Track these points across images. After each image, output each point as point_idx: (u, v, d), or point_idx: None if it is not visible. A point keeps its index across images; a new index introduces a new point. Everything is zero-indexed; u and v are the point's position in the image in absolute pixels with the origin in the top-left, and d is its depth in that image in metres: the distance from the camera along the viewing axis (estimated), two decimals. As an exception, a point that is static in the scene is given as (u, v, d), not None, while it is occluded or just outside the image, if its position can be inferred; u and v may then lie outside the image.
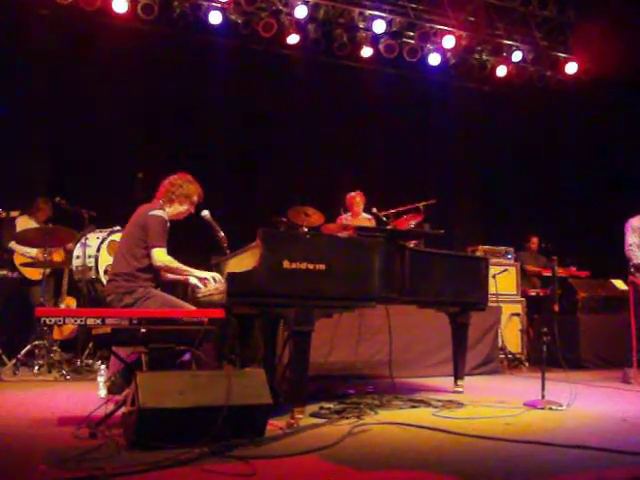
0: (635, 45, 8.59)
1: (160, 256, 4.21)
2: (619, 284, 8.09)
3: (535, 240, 9.33)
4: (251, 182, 8.77)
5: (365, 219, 7.25)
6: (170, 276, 4.49)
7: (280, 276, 3.86)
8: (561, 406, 4.52)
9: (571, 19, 9.91)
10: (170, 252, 4.30)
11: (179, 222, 4.56)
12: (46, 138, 7.84)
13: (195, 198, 4.54)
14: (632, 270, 6.45)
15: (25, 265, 6.78)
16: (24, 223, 6.90)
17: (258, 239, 3.93)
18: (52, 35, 7.82)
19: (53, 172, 7.72)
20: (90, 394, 4.72)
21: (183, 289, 4.81)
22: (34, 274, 6.80)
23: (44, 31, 7.77)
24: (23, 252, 6.79)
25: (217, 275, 4.33)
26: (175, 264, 4.28)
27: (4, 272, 6.80)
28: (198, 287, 4.37)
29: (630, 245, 6.44)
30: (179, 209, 4.50)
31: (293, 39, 8.80)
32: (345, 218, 7.34)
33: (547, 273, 8.29)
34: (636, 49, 8.62)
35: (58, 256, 7.00)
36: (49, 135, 7.86)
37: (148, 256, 4.22)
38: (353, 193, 7.37)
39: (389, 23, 9.11)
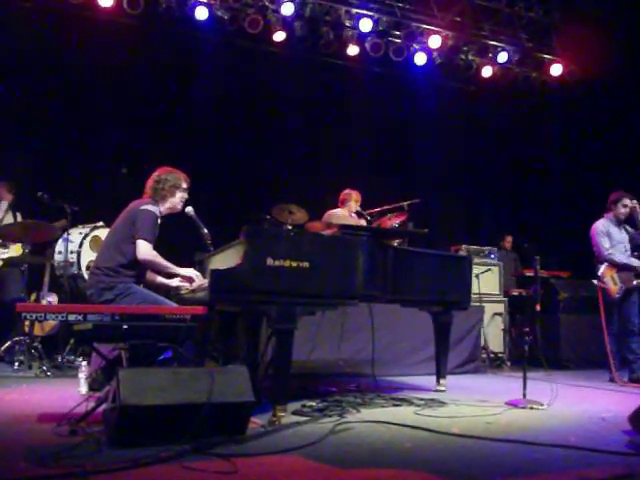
0: (619, 47, 8.66)
1: (145, 249, 4.18)
2: (600, 285, 8.14)
3: (509, 239, 9.38)
4: (235, 179, 8.74)
5: (355, 218, 7.16)
6: (150, 275, 4.47)
7: (263, 273, 3.86)
8: (542, 405, 4.55)
9: (556, 21, 9.98)
10: (154, 248, 4.27)
11: (163, 219, 4.53)
12: (29, 132, 7.75)
13: (184, 184, 4.55)
14: (600, 274, 6.45)
15: None
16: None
17: (242, 236, 3.92)
18: (35, 29, 7.72)
19: (36, 167, 7.62)
20: (71, 391, 4.69)
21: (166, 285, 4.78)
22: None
23: (27, 25, 7.67)
24: None
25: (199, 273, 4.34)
26: (159, 259, 4.26)
27: None
28: (182, 285, 4.37)
29: (607, 249, 6.44)
30: (174, 201, 4.51)
31: (279, 36, 8.79)
32: (336, 214, 7.12)
33: (529, 273, 8.34)
34: (620, 51, 8.69)
35: (14, 251, 6.85)
36: (32, 129, 7.77)
37: (134, 253, 4.19)
38: (352, 191, 7.09)
39: (375, 22, 9.12)
